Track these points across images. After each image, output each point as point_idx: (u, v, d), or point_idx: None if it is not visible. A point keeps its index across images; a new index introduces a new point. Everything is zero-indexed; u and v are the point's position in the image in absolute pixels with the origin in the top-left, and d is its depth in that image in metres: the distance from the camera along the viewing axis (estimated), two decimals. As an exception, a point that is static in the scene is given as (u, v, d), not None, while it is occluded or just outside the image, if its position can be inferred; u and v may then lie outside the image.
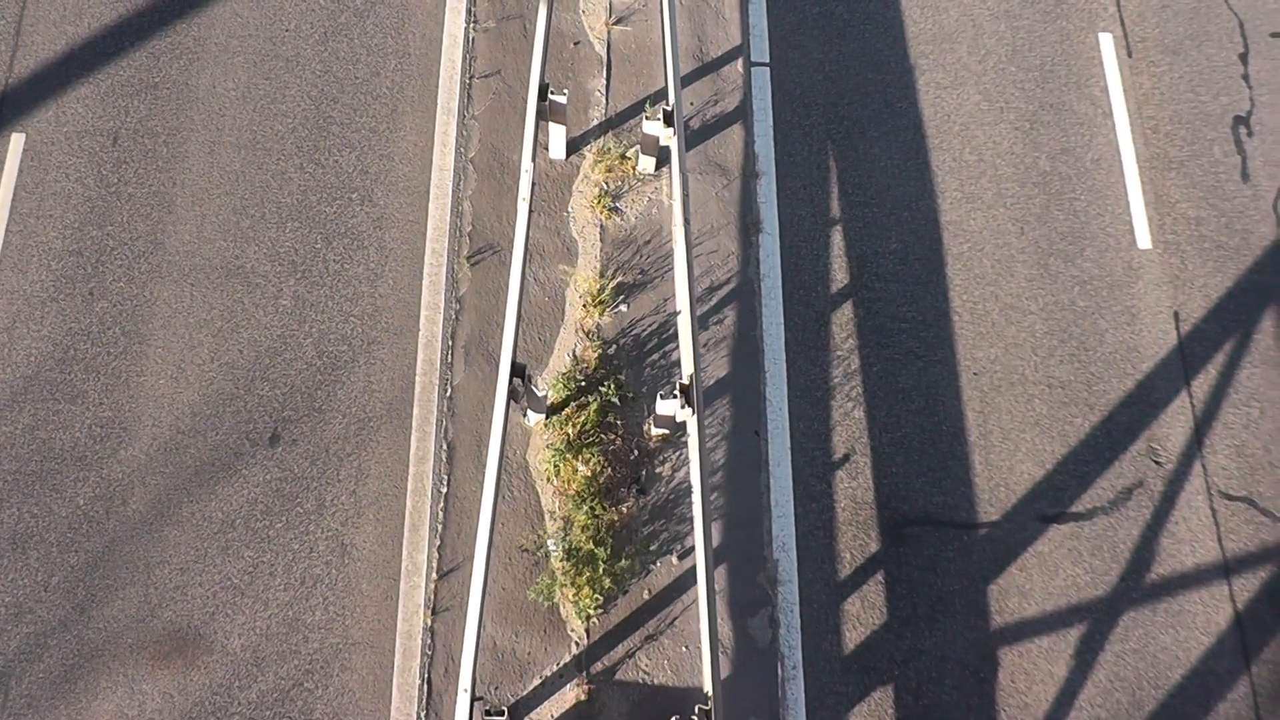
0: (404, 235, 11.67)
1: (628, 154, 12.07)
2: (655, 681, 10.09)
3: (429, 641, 10.11)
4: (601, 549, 10.23)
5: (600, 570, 10.17)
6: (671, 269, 11.62)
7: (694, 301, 10.04)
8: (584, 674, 10.04)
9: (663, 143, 11.36)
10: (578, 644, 10.14)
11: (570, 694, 9.98)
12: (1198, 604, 10.89)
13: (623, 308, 11.47)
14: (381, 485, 10.66)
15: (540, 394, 10.52)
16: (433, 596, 10.24)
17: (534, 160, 10.52)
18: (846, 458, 11.16)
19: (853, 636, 10.49)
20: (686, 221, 10.26)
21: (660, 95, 12.38)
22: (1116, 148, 12.74)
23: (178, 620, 10.11)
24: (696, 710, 8.82)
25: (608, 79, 12.54)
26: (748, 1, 13.16)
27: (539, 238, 11.70)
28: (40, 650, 9.95)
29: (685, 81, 12.56)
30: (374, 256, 11.55)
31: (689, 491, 10.64)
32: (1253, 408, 11.68)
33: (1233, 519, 11.24)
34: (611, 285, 11.46)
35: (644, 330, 11.39)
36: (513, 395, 9.76)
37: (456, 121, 12.21)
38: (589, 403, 10.89)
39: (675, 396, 9.90)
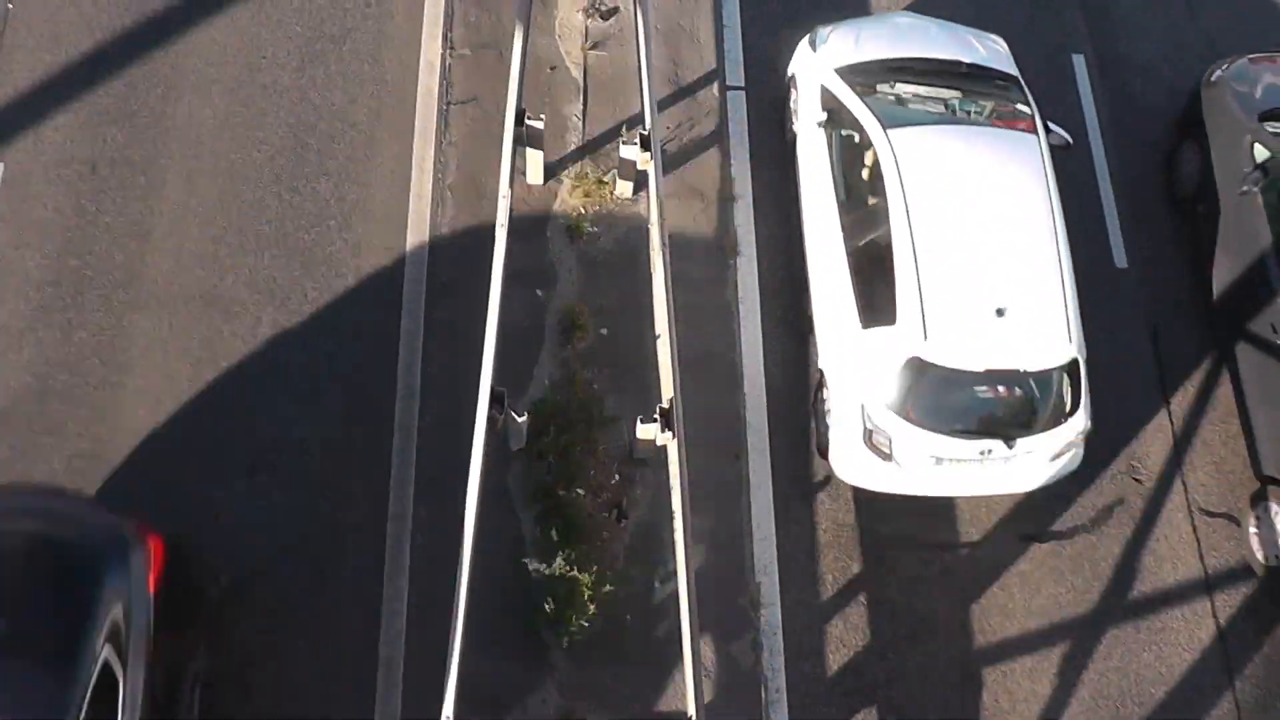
0: (382, 262, 11.67)
1: (605, 178, 12.11)
2: (638, 707, 10.05)
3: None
4: (583, 575, 10.19)
5: (581, 595, 10.13)
6: (650, 293, 11.62)
7: (673, 325, 10.06)
8: (565, 699, 9.99)
9: (640, 167, 11.39)
10: (559, 669, 10.09)
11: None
12: (1180, 620, 10.92)
13: (602, 332, 11.48)
14: (361, 514, 10.60)
15: (519, 420, 10.50)
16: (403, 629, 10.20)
17: (512, 186, 10.54)
18: (827, 480, 11.17)
19: (836, 659, 10.48)
20: (664, 246, 10.29)
21: (637, 120, 12.40)
22: (1092, 167, 12.83)
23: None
24: (679, 735, 8.79)
25: (584, 104, 12.59)
26: (722, 26, 13.23)
27: (517, 264, 11.69)
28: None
29: (661, 106, 12.60)
30: (352, 284, 11.54)
31: (670, 515, 10.61)
32: (1231, 423, 11.74)
33: (1214, 535, 11.28)
34: (590, 310, 11.46)
35: (623, 355, 11.39)
36: (492, 422, 9.74)
37: (434, 148, 12.23)
38: (569, 428, 10.87)
39: (655, 420, 9.90)
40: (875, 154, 10.75)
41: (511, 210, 10.34)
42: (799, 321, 11.76)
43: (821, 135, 11.36)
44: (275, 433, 10.82)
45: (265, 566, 10.28)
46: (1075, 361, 10.24)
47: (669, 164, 12.31)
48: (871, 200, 10.73)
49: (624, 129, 12.37)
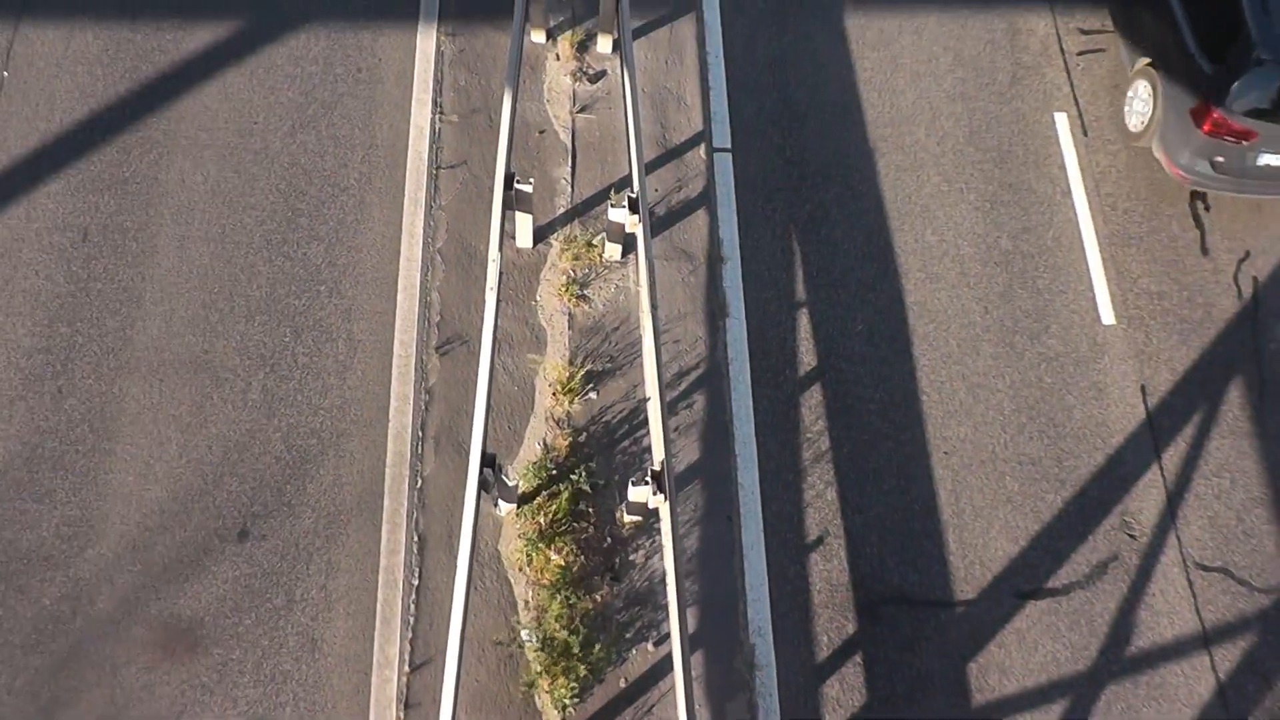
0: (372, 327, 11.69)
1: (594, 241, 12.17)
2: (633, 772, 9.96)
3: (402, 737, 9.97)
4: (576, 638, 10.14)
5: (575, 659, 10.07)
6: (640, 355, 11.66)
7: (663, 387, 10.08)
8: (560, 766, 9.90)
9: (628, 230, 11.46)
10: (553, 736, 10.01)
11: (547, 787, 9.83)
12: (1179, 675, 10.86)
13: (592, 395, 11.49)
14: (352, 579, 10.56)
15: (511, 483, 10.49)
16: (405, 690, 10.11)
17: (501, 249, 10.59)
18: (820, 540, 11.14)
19: (832, 719, 10.41)
20: (654, 308, 10.33)
21: (625, 182, 12.52)
22: (1077, 225, 12.93)
23: (146, 722, 9.95)
24: (674, 801, 8.70)
25: (573, 167, 12.68)
26: (709, 88, 13.37)
27: (507, 327, 11.74)
28: (5, 757, 9.76)
29: (649, 168, 12.71)
30: (343, 349, 11.56)
31: (663, 578, 10.58)
32: (1224, 478, 11.74)
33: (1210, 589, 11.25)
34: (581, 373, 11.48)
35: (614, 417, 11.40)
36: (483, 485, 9.73)
37: (424, 212, 12.30)
38: (560, 491, 10.86)
39: (647, 483, 9.88)
40: None
41: (501, 273, 10.38)
42: (789, 382, 11.79)
43: None
44: (266, 497, 10.80)
45: (249, 634, 10.22)
46: None
47: (658, 226, 12.40)
48: None
49: (612, 192, 12.46)
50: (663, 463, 9.70)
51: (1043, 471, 11.62)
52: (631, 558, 10.79)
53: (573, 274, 12.07)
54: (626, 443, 11.28)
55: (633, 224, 11.26)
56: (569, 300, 11.92)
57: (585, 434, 11.30)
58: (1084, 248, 12.82)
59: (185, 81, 12.85)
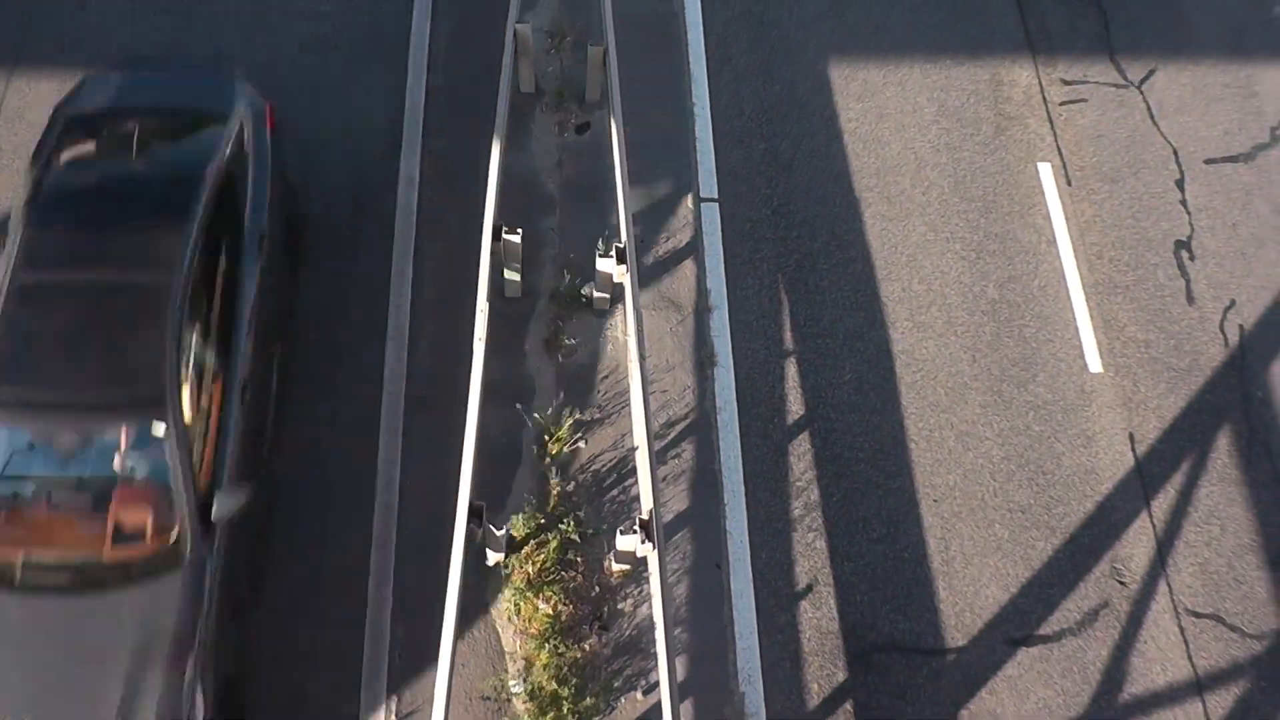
0: (360, 377, 11.69)
1: (582, 291, 12.21)
2: (622, 825, 9.86)
3: (389, 791, 9.87)
4: (565, 688, 10.08)
5: (564, 710, 10.00)
6: (628, 405, 11.67)
7: (651, 436, 10.08)
8: (549, 820, 9.80)
9: (616, 280, 11.50)
10: (542, 788, 9.91)
11: (535, 841, 9.72)
12: (1172, 725, 10.82)
13: (580, 445, 11.48)
14: (338, 632, 10.48)
15: (499, 533, 10.45)
16: (393, 744, 10.03)
17: (489, 300, 10.63)
18: (810, 588, 11.10)
19: (823, 771, 10.32)
20: (642, 357, 10.35)
21: (613, 233, 12.57)
22: (1062, 274, 13.00)
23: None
24: None
25: (560, 217, 12.75)
26: (695, 138, 13.48)
27: (495, 377, 11.75)
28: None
29: (636, 218, 12.79)
30: (331, 400, 11.55)
31: (652, 626, 10.53)
32: (1213, 525, 11.73)
33: (1202, 636, 11.20)
34: (569, 422, 11.48)
35: (602, 466, 11.39)
36: (471, 536, 9.70)
37: (412, 263, 12.34)
38: (548, 541, 10.82)
39: (635, 532, 9.86)
40: None
41: (489, 324, 10.41)
42: (777, 431, 11.80)
43: None
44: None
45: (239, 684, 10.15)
46: None
47: (645, 276, 12.45)
48: None
49: (600, 242, 12.51)
50: (651, 511, 9.69)
51: (1032, 519, 11.60)
52: (620, 606, 10.74)
53: (561, 324, 12.10)
54: (615, 491, 11.26)
55: (620, 274, 11.31)
56: (557, 350, 11.94)
57: (574, 483, 11.28)
58: (1070, 296, 12.88)
59: (175, 135, 12.93)
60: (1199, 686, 10.97)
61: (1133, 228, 13.39)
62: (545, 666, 10.21)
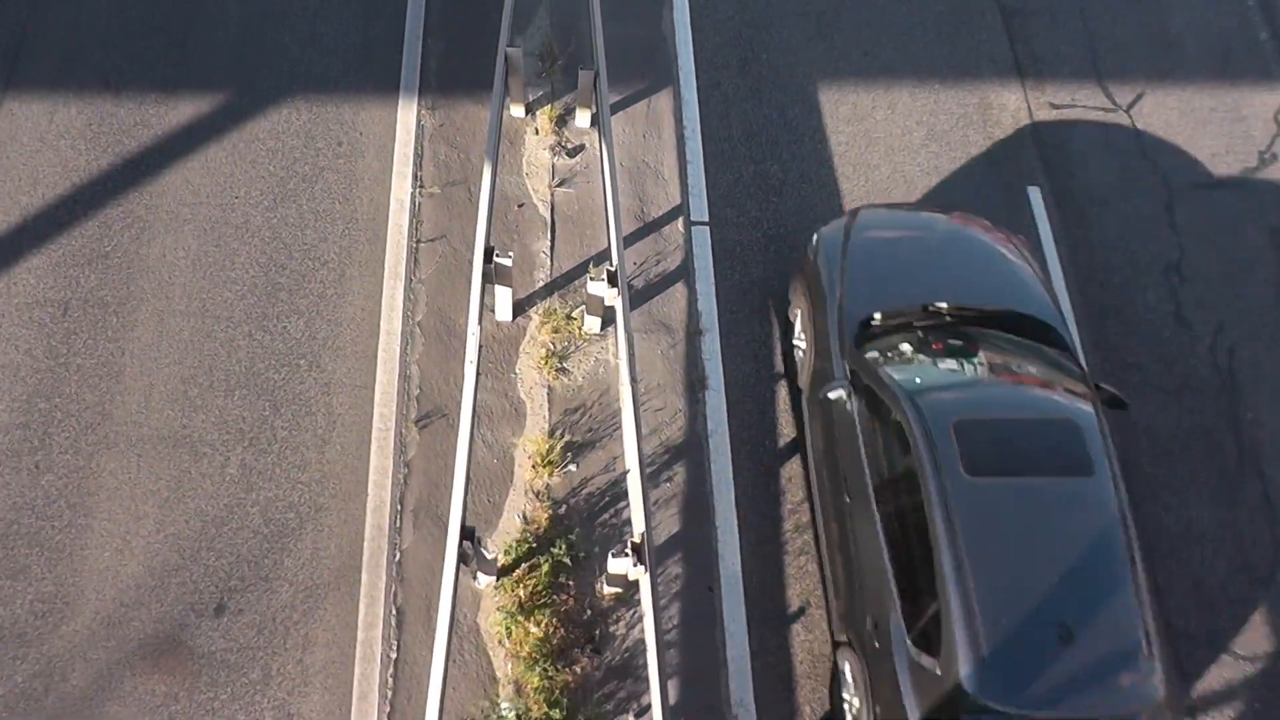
0: (352, 400, 11.69)
1: (573, 314, 12.23)
2: None
3: (379, 816, 9.82)
4: (556, 711, 10.05)
5: (555, 734, 9.97)
6: (620, 427, 11.67)
7: (643, 460, 10.07)
8: (540, 844, 9.76)
9: (607, 303, 11.52)
10: (533, 813, 9.87)
11: None
12: (1161, 750, 10.79)
13: (572, 467, 11.48)
14: (329, 653, 10.46)
15: (490, 556, 10.44)
16: (383, 768, 9.99)
17: (480, 323, 10.63)
18: (802, 610, 11.09)
19: (814, 795, 10.29)
20: (633, 380, 10.35)
21: (604, 255, 12.60)
22: (1053, 297, 13.02)
23: (118, 802, 9.79)
24: None
25: (552, 240, 12.78)
26: (686, 162, 13.52)
27: (487, 400, 11.76)
28: (-27, 839, 9.58)
29: (627, 241, 12.82)
30: (322, 422, 11.54)
31: (644, 649, 10.51)
32: (1205, 546, 11.75)
33: (1194, 658, 11.20)
34: (560, 445, 11.48)
35: (594, 489, 11.39)
36: (462, 558, 9.68)
37: (403, 286, 12.35)
38: (540, 563, 10.81)
39: (627, 555, 9.85)
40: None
41: (481, 347, 10.41)
42: (769, 454, 11.80)
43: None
44: (243, 571, 10.72)
45: (225, 709, 10.10)
46: None
47: (637, 299, 12.47)
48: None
49: (591, 265, 12.55)
50: (643, 534, 9.68)
51: (1023, 541, 11.60)
52: (612, 629, 10.72)
53: (552, 347, 12.11)
54: (606, 514, 11.26)
55: (612, 297, 11.33)
56: (548, 373, 11.95)
57: (565, 506, 11.28)
58: (1062, 319, 12.89)
59: (167, 156, 12.95)
60: (1192, 709, 10.97)
61: (1122, 251, 13.44)
62: (536, 690, 10.19)
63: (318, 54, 13.84)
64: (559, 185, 13.12)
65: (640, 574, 9.72)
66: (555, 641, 10.53)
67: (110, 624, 10.44)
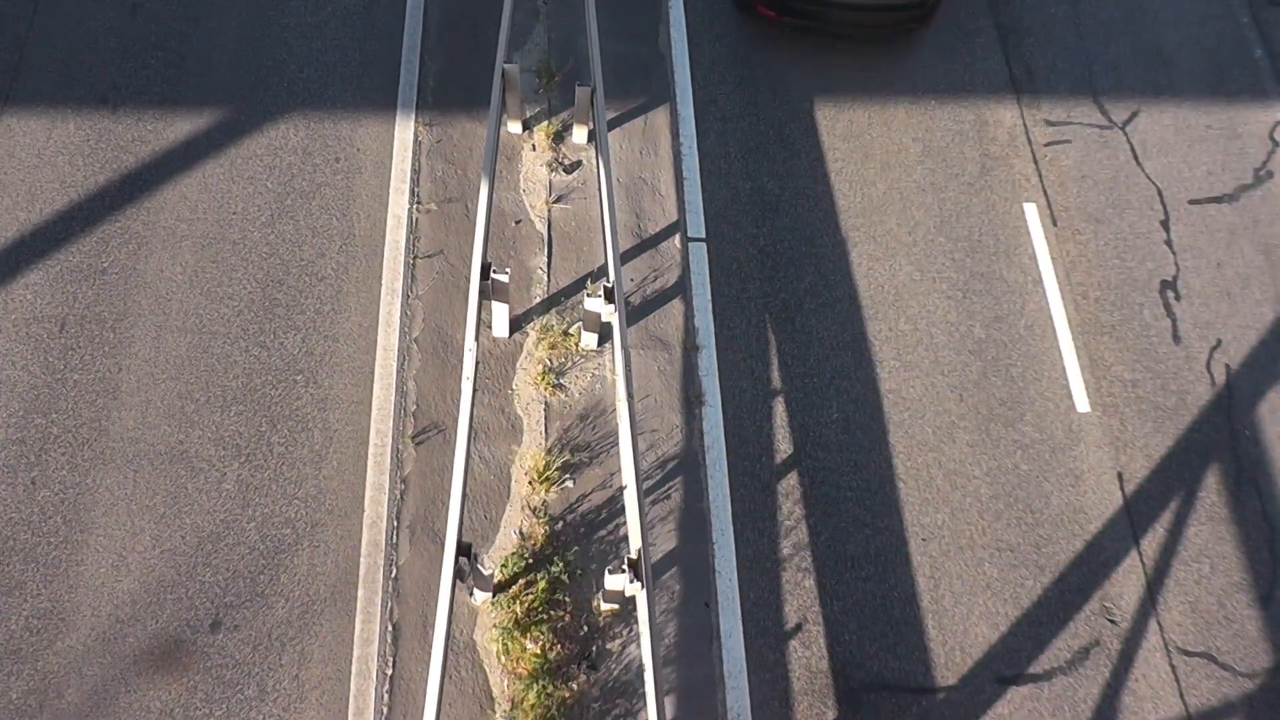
0: (348, 416, 11.68)
1: (570, 331, 12.22)
2: None
3: (375, 833, 9.77)
4: (552, 729, 10.02)
5: (551, 752, 9.93)
6: (616, 444, 11.66)
7: (639, 476, 10.06)
8: None
9: (604, 319, 11.52)
10: (529, 830, 9.83)
11: None
12: (1160, 766, 10.77)
13: (569, 484, 11.46)
14: (325, 669, 10.42)
15: (487, 572, 10.41)
16: (379, 785, 9.94)
17: (477, 339, 10.63)
18: (799, 627, 11.07)
19: (812, 813, 10.25)
20: (630, 396, 10.35)
21: (601, 272, 12.61)
22: (1049, 314, 13.06)
23: (112, 820, 9.74)
24: None
25: (549, 257, 12.78)
26: (683, 178, 13.54)
27: (483, 416, 11.74)
28: None
29: (625, 258, 12.82)
30: (318, 438, 11.53)
31: (641, 666, 10.47)
32: (1203, 563, 11.74)
33: (1193, 674, 11.18)
34: (557, 462, 11.47)
35: (591, 505, 11.37)
36: (459, 575, 9.66)
37: (400, 301, 12.35)
38: (537, 580, 10.78)
39: (624, 571, 9.83)
40: None
41: (478, 363, 10.40)
42: (765, 470, 11.79)
43: None
44: (239, 587, 10.69)
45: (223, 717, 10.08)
46: None
47: (634, 315, 12.47)
48: None
49: (588, 281, 12.55)
50: (639, 551, 9.66)
51: (1021, 558, 11.60)
52: (609, 646, 10.69)
53: (549, 363, 12.11)
54: (603, 531, 11.23)
55: (609, 313, 11.32)
56: (545, 389, 11.94)
57: (562, 522, 11.26)
58: (1056, 336, 12.93)
59: (165, 172, 12.96)
60: (1188, 726, 10.97)
61: (1118, 267, 13.46)
62: (533, 706, 10.15)
63: (316, 71, 13.87)
64: (556, 201, 13.13)
65: (637, 590, 9.69)
66: (552, 658, 10.49)
67: (106, 640, 10.40)
